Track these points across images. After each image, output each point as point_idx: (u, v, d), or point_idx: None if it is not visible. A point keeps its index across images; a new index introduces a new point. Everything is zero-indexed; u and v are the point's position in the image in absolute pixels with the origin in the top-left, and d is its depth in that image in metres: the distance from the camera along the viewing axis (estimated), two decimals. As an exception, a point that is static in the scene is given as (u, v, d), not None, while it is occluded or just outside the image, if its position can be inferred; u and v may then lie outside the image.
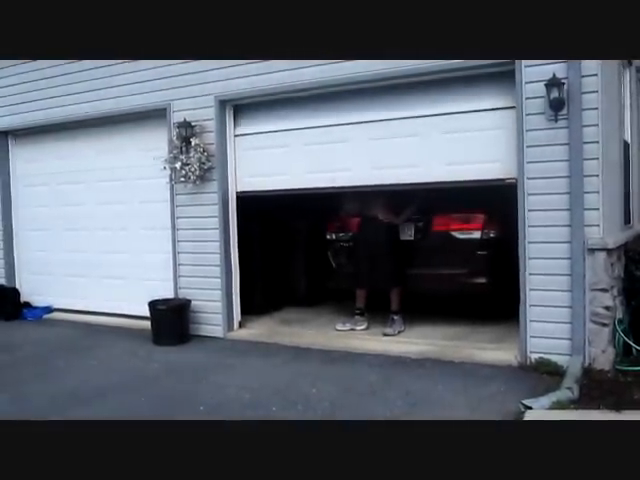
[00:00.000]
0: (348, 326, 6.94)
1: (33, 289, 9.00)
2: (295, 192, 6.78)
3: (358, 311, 7.02)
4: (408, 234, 6.94)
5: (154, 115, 7.38)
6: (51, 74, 8.12)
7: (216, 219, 6.98)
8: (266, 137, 6.92)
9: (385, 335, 6.62)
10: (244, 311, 7.31)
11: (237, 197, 7.11)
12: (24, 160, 9.07)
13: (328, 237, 7.51)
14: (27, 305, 8.88)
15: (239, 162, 7.10)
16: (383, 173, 6.23)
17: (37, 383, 5.62)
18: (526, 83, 5.35)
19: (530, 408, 4.37)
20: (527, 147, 5.38)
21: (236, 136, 7.09)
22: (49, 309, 8.75)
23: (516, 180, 5.47)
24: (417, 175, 6.03)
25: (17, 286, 9.05)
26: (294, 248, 8.39)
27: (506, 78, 5.48)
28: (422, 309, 7.26)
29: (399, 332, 6.67)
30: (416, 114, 6.08)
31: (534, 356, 5.39)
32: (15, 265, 9.17)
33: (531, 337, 5.45)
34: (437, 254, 6.78)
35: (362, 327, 6.94)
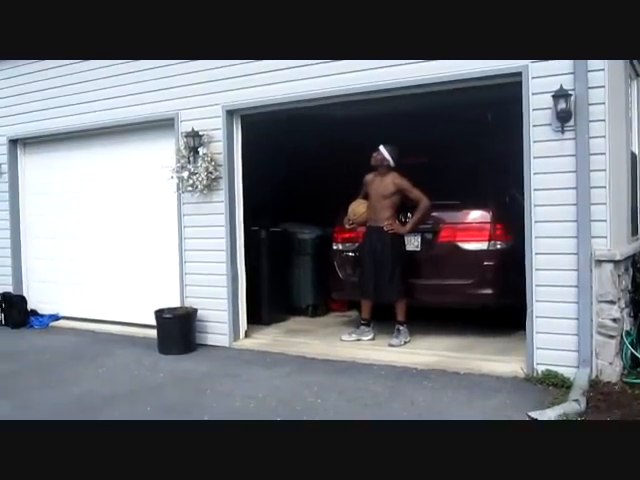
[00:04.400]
0: (354, 337, 6.93)
1: (40, 297, 9.02)
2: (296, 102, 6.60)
3: (364, 321, 7.00)
4: (414, 245, 6.93)
5: (162, 125, 7.42)
6: (60, 83, 8.19)
7: (223, 228, 6.99)
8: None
9: (391, 346, 6.60)
10: (250, 321, 7.32)
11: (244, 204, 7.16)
12: (33, 168, 9.12)
13: (335, 247, 7.50)
14: (34, 313, 8.89)
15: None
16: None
17: (43, 391, 5.62)
18: (533, 94, 5.35)
19: (536, 420, 4.35)
20: (534, 158, 5.37)
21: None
22: (56, 317, 8.78)
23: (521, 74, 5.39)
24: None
25: (24, 294, 9.07)
26: (301, 258, 8.39)
27: (512, 90, 5.49)
28: (428, 320, 7.25)
29: (405, 343, 6.65)
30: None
31: (541, 368, 5.37)
32: (23, 273, 9.20)
33: (537, 349, 5.42)
34: (443, 264, 6.76)
35: (368, 337, 6.92)
